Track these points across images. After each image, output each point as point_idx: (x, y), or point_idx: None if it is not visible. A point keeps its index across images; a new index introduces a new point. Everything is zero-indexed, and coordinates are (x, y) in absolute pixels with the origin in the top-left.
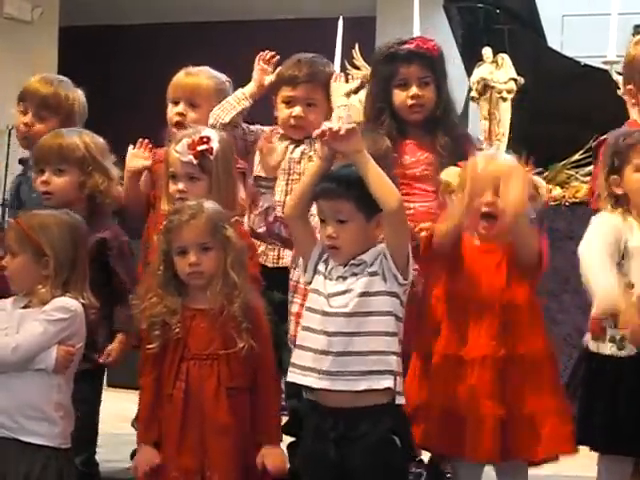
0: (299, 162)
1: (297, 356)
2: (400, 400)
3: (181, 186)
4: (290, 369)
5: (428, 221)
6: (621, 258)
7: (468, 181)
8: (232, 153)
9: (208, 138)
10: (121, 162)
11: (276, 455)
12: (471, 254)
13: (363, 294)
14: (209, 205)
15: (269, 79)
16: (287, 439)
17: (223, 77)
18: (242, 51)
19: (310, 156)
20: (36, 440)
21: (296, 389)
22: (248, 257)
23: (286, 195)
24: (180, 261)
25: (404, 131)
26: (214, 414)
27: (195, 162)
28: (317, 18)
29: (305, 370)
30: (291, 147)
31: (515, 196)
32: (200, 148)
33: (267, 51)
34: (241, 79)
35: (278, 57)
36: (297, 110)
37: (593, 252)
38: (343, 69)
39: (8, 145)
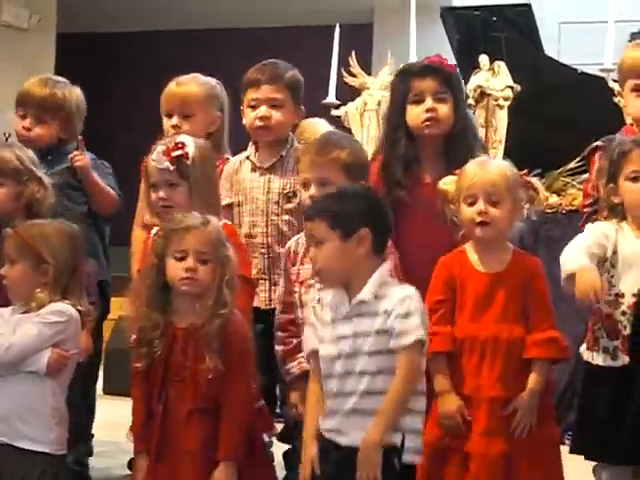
0: (277, 202)
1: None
2: (407, 458)
3: (162, 194)
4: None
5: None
6: (610, 266)
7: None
8: (211, 157)
9: (183, 143)
10: (131, 166)
11: (225, 474)
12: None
13: (368, 349)
14: (215, 220)
15: None
16: (283, 447)
17: (213, 81)
18: (239, 58)
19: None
20: (32, 447)
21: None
22: (240, 258)
23: (268, 236)
24: (175, 265)
25: (419, 153)
26: (185, 438)
27: (172, 168)
28: (314, 26)
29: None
30: (264, 179)
31: None
32: (175, 154)
33: None
34: (237, 86)
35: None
36: (262, 110)
37: (568, 248)
38: (339, 77)
39: None
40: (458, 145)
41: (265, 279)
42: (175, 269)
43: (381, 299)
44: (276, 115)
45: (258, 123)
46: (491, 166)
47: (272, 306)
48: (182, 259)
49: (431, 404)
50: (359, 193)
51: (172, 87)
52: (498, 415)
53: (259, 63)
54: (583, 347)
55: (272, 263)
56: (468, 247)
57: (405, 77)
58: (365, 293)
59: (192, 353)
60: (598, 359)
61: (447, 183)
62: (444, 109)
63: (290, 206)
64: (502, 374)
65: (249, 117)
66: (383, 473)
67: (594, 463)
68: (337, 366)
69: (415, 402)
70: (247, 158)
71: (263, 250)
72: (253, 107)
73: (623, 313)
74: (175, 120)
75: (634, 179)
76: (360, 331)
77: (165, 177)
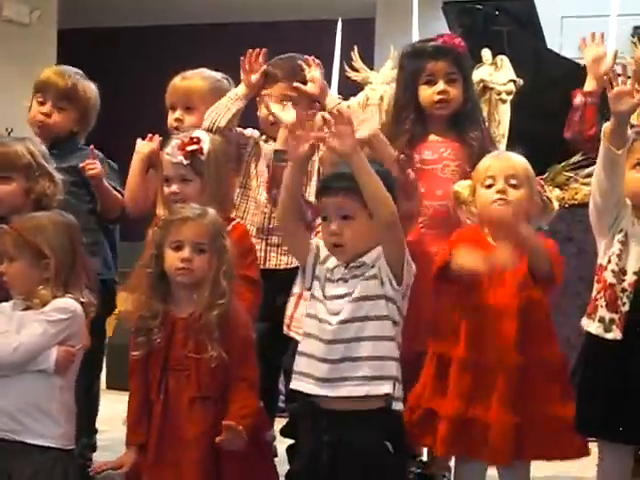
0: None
1: (298, 362)
2: (397, 406)
3: (174, 188)
4: (293, 375)
5: (444, 220)
6: (624, 237)
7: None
8: (226, 155)
9: (198, 139)
10: (125, 164)
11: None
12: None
13: (359, 299)
14: (213, 212)
15: (256, 77)
16: (286, 441)
17: (219, 75)
18: (242, 53)
19: None
20: (41, 442)
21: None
22: (250, 259)
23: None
24: (172, 255)
25: (427, 128)
26: (187, 427)
27: (185, 163)
28: (316, 20)
29: (304, 376)
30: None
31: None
32: (190, 148)
33: (250, 50)
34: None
35: (264, 50)
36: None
37: None
38: (342, 71)
39: None
40: (467, 121)
41: (262, 239)
42: (172, 259)
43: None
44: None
45: (271, 119)
46: (510, 155)
47: (267, 266)
48: (178, 249)
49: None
50: (387, 175)
51: (176, 81)
52: (513, 384)
53: (276, 58)
54: (584, 317)
55: (271, 224)
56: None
57: (418, 57)
58: (367, 258)
59: (193, 343)
60: (592, 327)
61: (461, 186)
62: (454, 90)
63: None
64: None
65: (263, 112)
66: (379, 459)
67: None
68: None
69: (397, 351)
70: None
71: (266, 210)
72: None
73: (623, 290)
74: (178, 113)
75: (637, 166)
76: (352, 292)
77: (178, 171)
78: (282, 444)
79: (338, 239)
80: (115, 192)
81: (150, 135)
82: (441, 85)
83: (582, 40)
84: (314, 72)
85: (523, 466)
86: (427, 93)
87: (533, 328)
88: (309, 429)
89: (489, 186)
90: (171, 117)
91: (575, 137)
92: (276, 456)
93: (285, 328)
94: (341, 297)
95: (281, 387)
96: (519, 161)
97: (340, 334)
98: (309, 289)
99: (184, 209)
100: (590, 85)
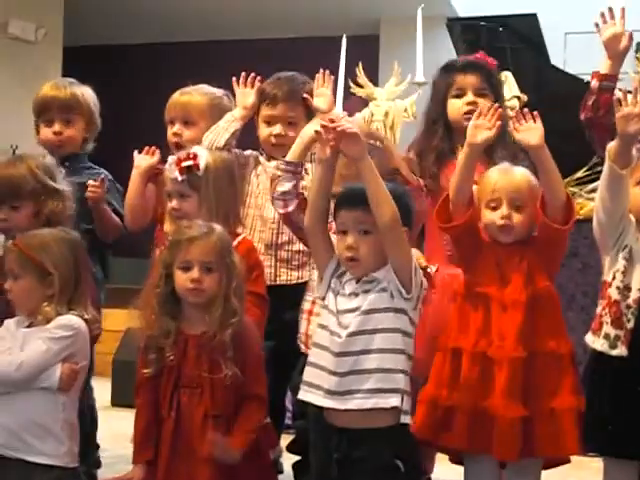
0: None
1: (307, 372)
2: (406, 419)
3: (174, 204)
4: (301, 385)
5: None
6: (628, 254)
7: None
8: (228, 169)
9: (195, 154)
10: (122, 180)
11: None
12: (489, 248)
13: (368, 312)
14: (219, 229)
15: (251, 100)
16: (292, 458)
17: (219, 92)
18: (245, 70)
19: None
20: (44, 460)
21: (304, 409)
22: (256, 274)
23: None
24: (182, 276)
25: (455, 144)
26: (200, 444)
27: (180, 179)
28: (320, 37)
29: (313, 387)
30: None
31: (535, 130)
32: (185, 164)
33: (244, 72)
34: None
35: (258, 77)
36: (277, 129)
37: None
38: (347, 87)
39: None
40: (496, 141)
41: (271, 255)
42: (181, 280)
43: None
44: (291, 133)
45: (273, 140)
46: (515, 172)
47: (277, 282)
48: (187, 270)
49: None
50: (405, 194)
51: (176, 95)
52: (519, 377)
53: (276, 75)
54: (589, 333)
55: (279, 240)
56: None
57: (448, 72)
58: (379, 273)
59: (207, 361)
60: (597, 344)
61: None
62: (484, 103)
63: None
64: (522, 332)
65: (264, 132)
66: (393, 441)
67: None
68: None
69: (407, 364)
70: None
71: (274, 225)
72: (268, 123)
73: (628, 307)
74: (177, 127)
75: (639, 184)
76: (363, 305)
77: (176, 187)
78: (288, 460)
79: (355, 253)
80: (115, 217)
81: (147, 148)
82: (470, 96)
83: (600, 15)
84: (324, 88)
85: (534, 464)
86: (456, 105)
87: (540, 321)
88: (318, 446)
89: (494, 207)
90: (170, 131)
91: (588, 122)
92: (282, 472)
93: (302, 346)
94: (352, 311)
95: (288, 404)
96: (523, 179)
97: (349, 347)
98: (323, 299)
99: (191, 228)
100: (606, 67)
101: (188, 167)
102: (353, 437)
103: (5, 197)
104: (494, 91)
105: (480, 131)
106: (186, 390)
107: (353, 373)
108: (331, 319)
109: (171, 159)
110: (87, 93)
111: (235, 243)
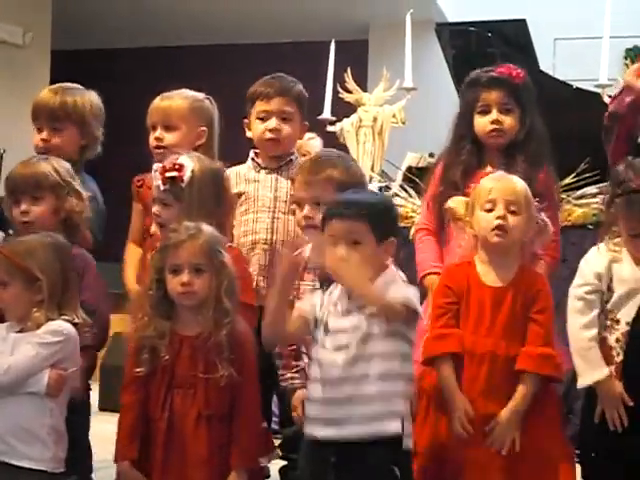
0: (285, 202)
1: (308, 409)
2: (408, 444)
3: (155, 209)
4: (305, 422)
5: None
6: (607, 290)
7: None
8: (215, 181)
9: (180, 165)
10: (127, 183)
11: None
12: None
13: (364, 338)
14: (207, 229)
15: None
16: (279, 463)
17: (200, 96)
18: (235, 74)
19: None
20: (28, 464)
21: (289, 415)
22: (245, 285)
23: (271, 233)
24: (172, 280)
25: (483, 159)
26: (194, 444)
27: (162, 188)
28: (309, 42)
29: (315, 422)
30: (271, 177)
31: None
32: (169, 175)
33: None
34: (235, 102)
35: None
36: (272, 122)
37: (576, 333)
38: (335, 92)
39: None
40: (517, 151)
41: (265, 276)
42: (173, 284)
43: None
44: (286, 128)
45: (268, 135)
46: (511, 178)
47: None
48: (178, 273)
49: None
50: (393, 204)
51: (156, 101)
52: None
53: (265, 77)
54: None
55: (273, 260)
56: (476, 258)
57: (473, 88)
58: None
59: (202, 362)
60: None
61: (455, 202)
62: (509, 120)
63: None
64: (497, 389)
65: (258, 129)
66: (392, 452)
67: None
68: (338, 359)
69: (408, 387)
70: (249, 164)
71: (265, 246)
72: (262, 119)
73: (617, 340)
74: (158, 132)
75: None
76: (357, 325)
77: (159, 195)
78: (275, 465)
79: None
80: (86, 234)
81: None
82: (494, 114)
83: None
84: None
85: None
86: (481, 122)
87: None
88: (313, 451)
89: (489, 210)
90: (151, 137)
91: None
92: (269, 477)
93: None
94: (345, 331)
95: (274, 409)
96: (519, 186)
97: (345, 373)
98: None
99: (178, 232)
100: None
101: (172, 177)
102: (351, 445)
103: (28, 188)
104: (520, 105)
105: None
106: (179, 391)
107: (351, 399)
108: (323, 352)
109: (156, 166)
110: (84, 100)
111: None
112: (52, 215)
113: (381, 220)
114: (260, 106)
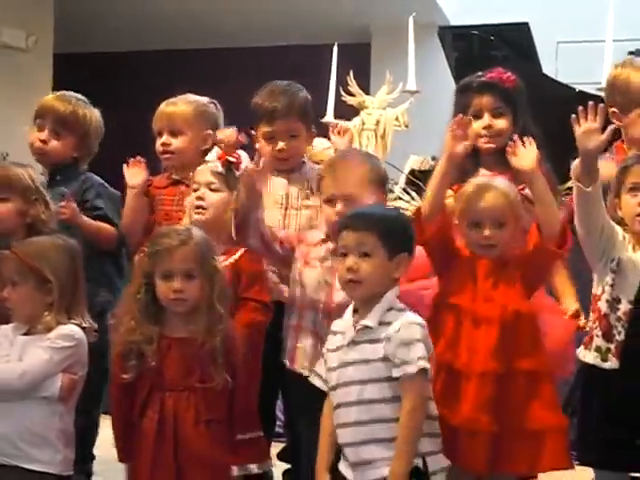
0: (297, 198)
1: (339, 435)
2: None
3: (198, 193)
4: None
5: None
6: (616, 266)
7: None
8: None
9: (239, 156)
10: (123, 188)
11: None
12: (466, 261)
13: (381, 380)
14: (198, 233)
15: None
16: (283, 466)
17: (205, 100)
18: (238, 77)
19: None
20: (38, 467)
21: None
22: (260, 284)
23: (283, 228)
24: (163, 285)
25: (477, 162)
26: (193, 446)
27: (220, 169)
28: (312, 45)
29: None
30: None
31: (529, 155)
32: (229, 158)
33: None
34: (237, 105)
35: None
36: (280, 145)
37: None
38: (338, 95)
39: None
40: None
41: (274, 272)
42: (163, 289)
43: (385, 326)
44: (293, 145)
45: (277, 155)
46: (494, 189)
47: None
48: (169, 279)
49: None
50: (408, 220)
51: (162, 106)
52: (488, 392)
53: (269, 85)
54: (581, 347)
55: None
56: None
57: (465, 93)
58: (370, 319)
59: (198, 370)
60: (589, 357)
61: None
62: (501, 124)
63: (309, 202)
64: (496, 349)
65: (265, 149)
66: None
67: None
68: (340, 394)
69: (429, 426)
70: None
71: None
72: (268, 139)
73: (618, 319)
74: (164, 138)
75: (631, 190)
76: (364, 358)
77: (207, 179)
78: (278, 469)
79: (354, 275)
80: (104, 225)
81: (133, 160)
82: (486, 120)
83: None
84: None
85: None
86: (474, 129)
87: (516, 339)
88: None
89: (476, 225)
90: (158, 142)
91: None
92: None
93: (287, 362)
94: (351, 364)
95: (278, 413)
96: (503, 194)
97: (361, 416)
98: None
99: (168, 237)
100: None
101: (230, 162)
102: None
103: None
104: (512, 108)
105: (457, 142)
106: (171, 394)
107: (369, 442)
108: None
109: (216, 149)
110: (90, 115)
111: (242, 251)
112: (17, 217)
113: (393, 235)
114: (264, 127)
